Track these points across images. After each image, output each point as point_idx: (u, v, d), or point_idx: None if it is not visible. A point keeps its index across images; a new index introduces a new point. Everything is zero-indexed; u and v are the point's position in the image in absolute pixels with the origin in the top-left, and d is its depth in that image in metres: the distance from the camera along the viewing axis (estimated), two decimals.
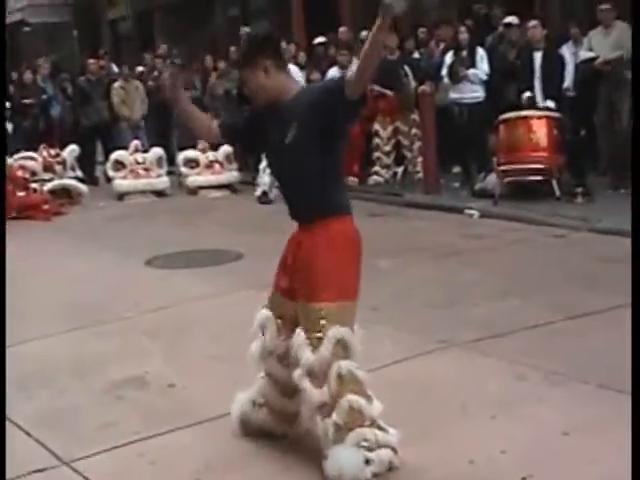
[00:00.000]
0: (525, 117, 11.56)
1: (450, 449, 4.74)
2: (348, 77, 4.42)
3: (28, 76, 16.67)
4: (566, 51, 12.30)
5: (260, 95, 4.69)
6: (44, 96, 16.71)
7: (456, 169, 13.55)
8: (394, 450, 4.57)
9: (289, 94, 4.64)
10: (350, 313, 4.77)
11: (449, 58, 12.90)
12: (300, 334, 4.58)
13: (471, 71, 12.59)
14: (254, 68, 4.61)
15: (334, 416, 4.47)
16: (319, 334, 4.53)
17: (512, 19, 13.07)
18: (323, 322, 4.55)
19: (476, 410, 5.19)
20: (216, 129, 5.02)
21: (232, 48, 17.50)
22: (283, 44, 13.81)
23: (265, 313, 4.90)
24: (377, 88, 13.56)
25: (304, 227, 4.75)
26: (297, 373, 4.59)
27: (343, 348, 4.58)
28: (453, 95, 12.85)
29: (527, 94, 11.72)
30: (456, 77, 12.70)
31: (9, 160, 14.69)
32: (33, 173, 14.66)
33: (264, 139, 4.74)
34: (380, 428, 4.59)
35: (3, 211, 11.42)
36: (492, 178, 11.76)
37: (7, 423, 5.49)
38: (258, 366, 4.98)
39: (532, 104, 11.72)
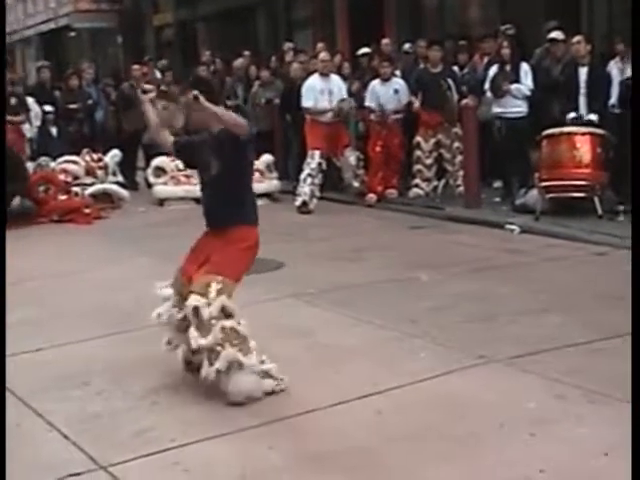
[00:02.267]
0: (569, 133, 11.49)
1: (487, 467, 4.71)
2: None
3: (74, 81, 16.77)
4: (613, 67, 12.19)
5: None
6: (89, 101, 16.81)
7: (497, 184, 13.48)
8: (278, 382, 5.87)
9: None
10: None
11: (492, 72, 12.83)
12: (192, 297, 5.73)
13: (514, 86, 12.52)
14: None
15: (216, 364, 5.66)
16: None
17: (557, 34, 12.98)
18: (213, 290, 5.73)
19: (514, 428, 5.15)
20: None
21: (274, 58, 17.59)
22: (325, 54, 13.95)
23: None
24: (412, 99, 13.57)
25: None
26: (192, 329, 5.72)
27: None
28: (496, 109, 12.78)
29: (572, 115, 11.64)
30: (499, 92, 12.64)
31: (52, 164, 14.80)
32: (75, 177, 14.76)
33: None
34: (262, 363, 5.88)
35: (4, 212, 11.44)
36: (533, 194, 11.69)
37: (45, 424, 5.53)
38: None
39: (576, 124, 11.62)
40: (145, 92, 6.64)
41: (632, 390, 4.04)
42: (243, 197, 6.04)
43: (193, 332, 5.70)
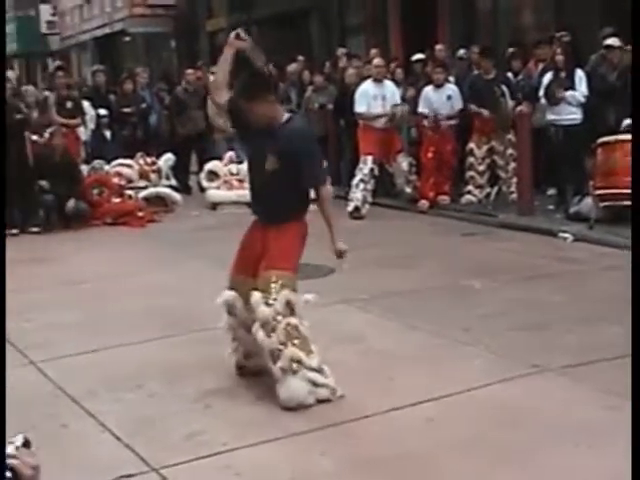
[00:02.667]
0: (624, 141, 11.38)
1: (537, 476, 4.68)
2: (321, 193, 6.03)
3: (128, 85, 16.90)
4: None
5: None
6: (143, 105, 16.93)
7: (551, 191, 13.38)
8: (332, 391, 5.79)
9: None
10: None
11: (547, 79, 12.75)
12: (254, 293, 5.78)
13: (569, 93, 12.42)
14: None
15: (279, 363, 5.69)
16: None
17: (613, 41, 12.86)
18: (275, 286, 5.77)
19: (565, 438, 5.11)
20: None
21: (328, 63, 17.61)
22: (379, 60, 13.96)
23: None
24: (473, 107, 13.53)
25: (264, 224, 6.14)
26: (255, 326, 5.75)
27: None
28: (550, 116, 12.70)
29: (627, 121, 11.53)
30: (553, 99, 12.55)
31: (106, 167, 14.94)
32: (129, 180, 14.88)
33: None
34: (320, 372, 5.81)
35: (3, 212, 11.51)
36: (588, 202, 11.60)
37: (97, 425, 5.58)
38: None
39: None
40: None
41: (632, 390, 3.99)
42: (303, 194, 6.05)
43: (259, 331, 5.74)
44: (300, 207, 6.02)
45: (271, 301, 5.72)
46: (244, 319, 6.02)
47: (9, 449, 2.04)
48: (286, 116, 5.97)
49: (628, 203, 11.20)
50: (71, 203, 13.21)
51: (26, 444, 2.08)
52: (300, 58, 18.13)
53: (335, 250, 6.27)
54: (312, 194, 6.08)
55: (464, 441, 5.15)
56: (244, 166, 15.02)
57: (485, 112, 13.34)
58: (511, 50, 15.17)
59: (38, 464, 2.07)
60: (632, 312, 4.59)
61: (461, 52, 15.75)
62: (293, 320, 5.76)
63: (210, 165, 15.37)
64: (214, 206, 14.89)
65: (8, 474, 1.99)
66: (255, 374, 6.21)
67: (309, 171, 5.91)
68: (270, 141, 5.80)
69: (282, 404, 5.68)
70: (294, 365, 5.70)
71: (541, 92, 12.73)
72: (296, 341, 5.75)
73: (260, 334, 5.73)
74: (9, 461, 2.01)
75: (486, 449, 5.04)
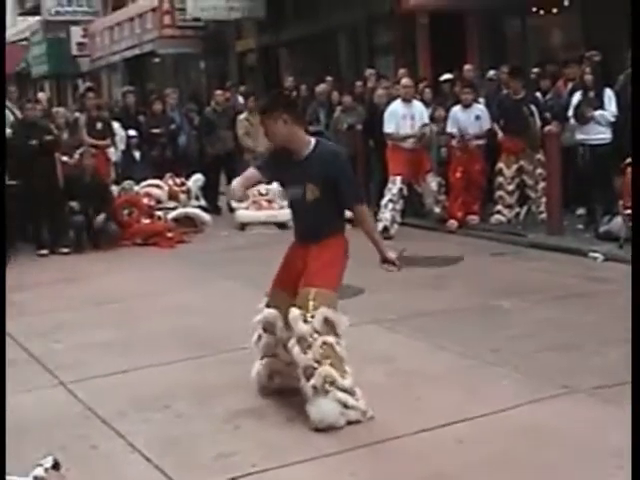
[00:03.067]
0: None
1: None
2: (360, 211, 6.15)
3: (157, 106, 16.98)
4: None
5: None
6: (172, 126, 17.00)
7: (580, 211, 13.32)
8: (363, 413, 5.76)
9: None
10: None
11: (576, 98, 12.72)
12: (293, 310, 5.83)
13: (598, 112, 12.39)
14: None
15: (312, 381, 5.69)
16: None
17: None
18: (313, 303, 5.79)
19: (596, 460, 5.07)
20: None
21: (357, 83, 17.63)
22: (407, 80, 13.97)
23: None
24: (495, 126, 13.51)
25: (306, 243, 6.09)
26: (292, 342, 5.77)
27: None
28: (579, 136, 12.66)
29: None
30: (582, 118, 12.52)
31: (136, 188, 15.01)
32: (158, 201, 14.94)
33: None
34: (352, 393, 5.78)
35: (3, 218, 11.55)
36: (618, 221, 11.54)
37: (126, 446, 5.59)
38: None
39: None
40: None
41: (632, 390, 3.97)
42: (342, 211, 6.11)
43: (295, 347, 5.76)
44: (340, 224, 6.10)
45: (309, 318, 5.72)
46: (283, 337, 6.00)
47: (39, 471, 2.06)
48: (313, 141, 5.96)
49: None
50: (100, 218, 13.27)
51: (55, 466, 2.10)
52: (328, 79, 18.15)
53: (387, 259, 6.48)
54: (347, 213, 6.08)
55: (494, 462, 5.12)
56: (273, 186, 15.15)
57: (500, 134, 13.36)
58: (536, 70, 15.14)
59: None
60: (632, 317, 4.58)
61: (491, 73, 15.73)
62: (330, 339, 5.76)
63: None
64: (243, 226, 14.92)
65: None
66: (279, 393, 6.22)
67: (348, 192, 5.97)
68: (305, 170, 5.85)
69: (312, 425, 5.67)
70: (327, 385, 5.68)
71: (570, 112, 12.70)
72: (331, 360, 5.74)
73: (296, 349, 5.74)
74: None
75: (516, 470, 5.01)
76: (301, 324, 5.72)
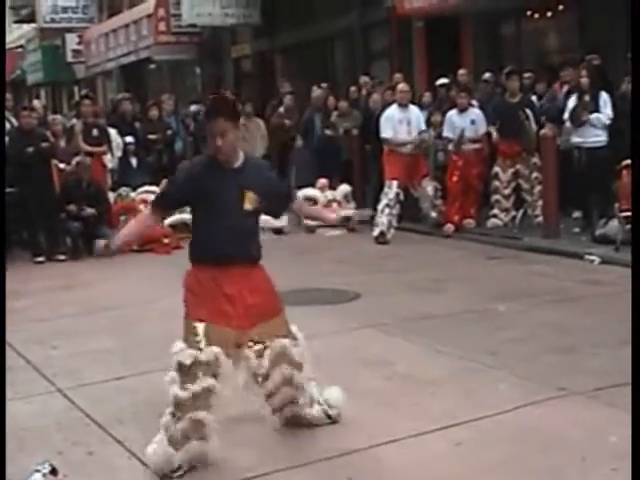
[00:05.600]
0: None
1: None
2: (295, 203, 5.99)
3: (153, 112, 17.00)
4: None
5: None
6: (169, 132, 17.01)
7: (577, 214, 13.33)
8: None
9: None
10: None
11: (572, 102, 12.73)
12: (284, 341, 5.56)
13: (594, 115, 12.40)
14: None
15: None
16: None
17: None
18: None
19: (596, 462, 5.07)
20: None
21: (352, 88, 17.65)
22: (404, 85, 13.99)
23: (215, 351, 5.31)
24: (490, 129, 13.52)
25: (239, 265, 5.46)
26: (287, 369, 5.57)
27: None
28: (575, 139, 12.67)
29: None
30: (578, 121, 12.53)
31: (132, 194, 15.00)
32: None
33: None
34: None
35: (3, 212, 11.54)
36: (614, 224, 11.55)
37: (124, 452, 5.58)
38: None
39: None
40: None
41: (632, 389, 3.98)
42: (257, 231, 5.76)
43: (292, 371, 5.63)
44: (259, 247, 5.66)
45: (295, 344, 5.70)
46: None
47: (37, 477, 2.05)
48: (242, 153, 5.51)
49: None
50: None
51: (53, 471, 2.09)
52: (323, 85, 18.14)
53: (332, 219, 6.20)
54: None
55: (493, 465, 5.12)
56: None
57: (495, 136, 13.37)
58: (528, 75, 15.14)
59: None
60: (632, 315, 4.58)
61: (487, 75, 15.73)
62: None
63: None
64: None
65: None
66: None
67: (288, 190, 6.06)
68: (241, 179, 5.39)
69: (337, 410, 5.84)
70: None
71: (566, 115, 12.72)
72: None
73: (294, 374, 5.65)
74: None
75: (515, 473, 5.01)
76: (295, 350, 5.63)
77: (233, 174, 5.40)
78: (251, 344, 5.45)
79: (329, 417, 5.78)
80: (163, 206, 5.73)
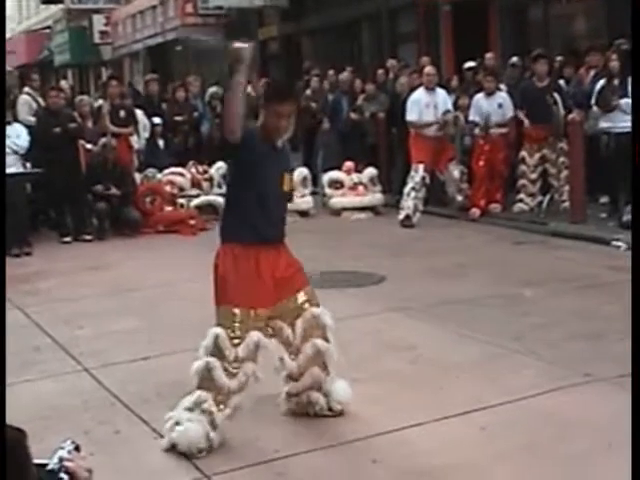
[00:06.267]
0: None
1: None
2: None
3: (180, 94, 17.00)
4: None
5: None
6: (195, 113, 17.02)
7: (604, 199, 13.27)
8: None
9: None
10: None
11: (599, 86, 12.65)
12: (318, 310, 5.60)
13: (624, 100, 12.31)
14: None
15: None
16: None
17: None
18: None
19: (621, 448, 5.05)
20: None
21: (379, 71, 17.61)
22: (431, 68, 13.94)
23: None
24: (519, 115, 13.47)
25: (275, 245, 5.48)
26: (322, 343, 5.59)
27: None
28: (603, 124, 12.60)
29: None
30: (606, 106, 12.45)
31: (158, 175, 15.04)
32: (181, 189, 14.95)
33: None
34: None
35: (3, 215, 11.61)
36: None
37: (150, 432, 5.62)
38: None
39: None
40: None
41: (632, 388, 3.97)
42: None
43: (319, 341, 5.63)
44: None
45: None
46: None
47: (63, 452, 2.07)
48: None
49: None
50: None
51: (77, 449, 2.11)
52: (348, 68, 18.11)
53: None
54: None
55: (517, 450, 5.13)
56: (295, 175, 15.14)
57: (526, 122, 13.29)
58: (560, 58, 15.08)
59: (91, 467, 2.10)
60: (632, 312, 4.57)
61: (514, 59, 15.66)
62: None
63: None
64: None
65: (64, 476, 2.02)
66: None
67: None
68: (283, 160, 5.60)
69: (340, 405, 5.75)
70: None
71: (593, 100, 12.64)
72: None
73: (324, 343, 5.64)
74: (65, 464, 2.03)
75: (539, 459, 5.00)
76: (327, 318, 5.65)
77: (277, 154, 5.47)
78: (287, 313, 5.51)
79: (330, 410, 5.73)
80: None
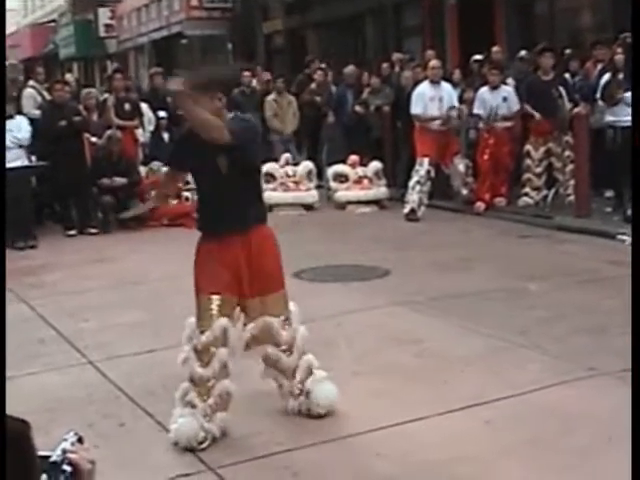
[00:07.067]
0: None
1: None
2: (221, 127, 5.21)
3: None
4: None
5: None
6: None
7: (609, 193, 13.26)
8: None
9: None
10: None
11: (605, 80, 12.64)
12: (272, 320, 5.47)
13: (628, 94, 12.30)
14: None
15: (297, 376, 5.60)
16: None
17: None
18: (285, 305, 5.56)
19: (623, 442, 5.05)
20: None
21: (384, 65, 17.59)
22: (436, 62, 13.93)
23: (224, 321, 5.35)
24: (527, 108, 13.44)
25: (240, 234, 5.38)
26: (272, 350, 5.54)
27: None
28: (609, 118, 12.58)
29: None
30: (611, 100, 12.44)
31: (163, 169, 15.02)
32: (186, 182, 14.92)
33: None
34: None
35: (3, 212, 11.61)
36: None
37: (155, 424, 5.63)
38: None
39: None
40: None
41: (632, 387, 3.97)
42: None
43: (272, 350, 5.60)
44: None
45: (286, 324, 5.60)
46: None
47: (66, 444, 2.07)
48: None
49: None
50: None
51: (80, 440, 2.11)
52: (351, 66, 18.04)
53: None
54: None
55: (522, 444, 5.13)
56: (300, 168, 15.17)
57: (537, 115, 13.24)
58: (568, 51, 15.07)
59: (94, 459, 2.10)
60: (632, 310, 4.57)
61: (522, 53, 15.62)
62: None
63: (266, 167, 15.39)
64: (270, 208, 14.89)
65: (67, 468, 2.02)
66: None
67: None
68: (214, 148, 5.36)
69: (321, 409, 5.65)
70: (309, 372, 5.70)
71: (599, 93, 12.63)
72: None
73: (285, 358, 5.61)
74: (68, 455, 2.04)
75: (545, 453, 5.01)
76: (283, 333, 5.56)
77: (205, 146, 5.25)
78: (244, 312, 5.50)
79: (308, 411, 5.64)
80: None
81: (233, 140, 5.09)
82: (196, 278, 5.52)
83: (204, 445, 5.22)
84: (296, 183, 14.96)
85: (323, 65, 18.86)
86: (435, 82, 13.60)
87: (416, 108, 13.55)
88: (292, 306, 5.68)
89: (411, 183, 13.53)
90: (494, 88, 13.64)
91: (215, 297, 5.36)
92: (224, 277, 5.36)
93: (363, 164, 15.14)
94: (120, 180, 13.52)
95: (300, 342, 5.63)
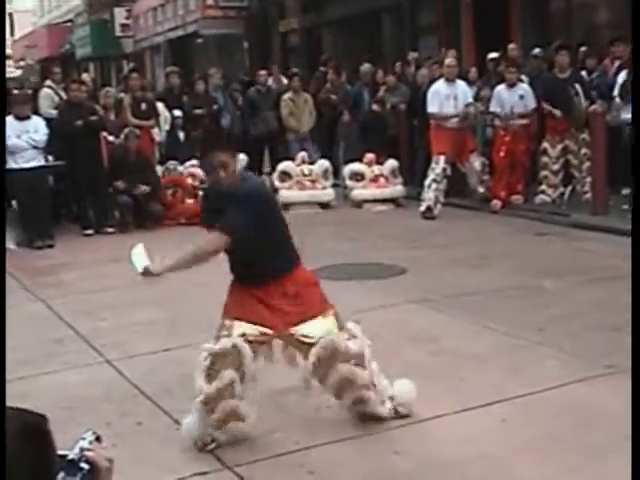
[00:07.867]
0: None
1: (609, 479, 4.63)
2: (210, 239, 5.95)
3: (200, 86, 16.98)
4: None
5: None
6: (215, 106, 17.01)
7: (626, 190, 13.19)
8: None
9: None
10: None
11: (622, 77, 12.59)
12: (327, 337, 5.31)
13: None
14: None
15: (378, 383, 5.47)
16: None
17: None
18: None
19: None
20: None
21: (399, 63, 17.59)
22: (451, 60, 13.91)
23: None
24: (546, 106, 13.41)
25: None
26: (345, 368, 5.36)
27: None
28: (626, 115, 12.53)
29: None
30: (627, 97, 12.40)
31: (179, 168, 15.06)
32: (202, 181, 14.96)
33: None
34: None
35: (3, 210, 11.61)
36: None
37: (171, 423, 5.64)
38: None
39: None
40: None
41: (632, 386, 3.95)
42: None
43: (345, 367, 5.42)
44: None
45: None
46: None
47: (84, 443, 2.08)
48: None
49: None
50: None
51: (98, 439, 2.11)
52: (366, 64, 18.01)
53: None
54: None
55: (539, 442, 5.12)
56: (316, 167, 15.17)
57: (557, 112, 13.19)
58: (584, 49, 15.03)
59: (112, 457, 2.11)
60: (632, 308, 4.55)
61: (537, 50, 15.59)
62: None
63: (282, 165, 15.42)
64: (286, 207, 14.90)
65: (85, 466, 2.02)
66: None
67: None
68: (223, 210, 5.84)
69: (405, 409, 5.57)
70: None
71: (616, 91, 12.58)
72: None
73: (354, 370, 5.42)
74: (86, 453, 2.04)
75: (562, 451, 5.00)
76: (350, 344, 5.42)
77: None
78: (297, 344, 5.43)
79: (397, 413, 5.55)
80: None
81: (232, 235, 5.50)
82: (224, 306, 5.59)
83: (210, 447, 5.22)
84: (312, 182, 14.97)
85: (334, 64, 18.86)
86: (450, 80, 13.58)
87: (432, 106, 13.54)
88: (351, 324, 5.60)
89: (427, 181, 13.52)
90: (511, 86, 13.61)
91: (239, 320, 5.38)
92: (256, 307, 5.37)
93: (379, 162, 15.13)
94: (144, 188, 13.52)
95: (368, 352, 5.48)
